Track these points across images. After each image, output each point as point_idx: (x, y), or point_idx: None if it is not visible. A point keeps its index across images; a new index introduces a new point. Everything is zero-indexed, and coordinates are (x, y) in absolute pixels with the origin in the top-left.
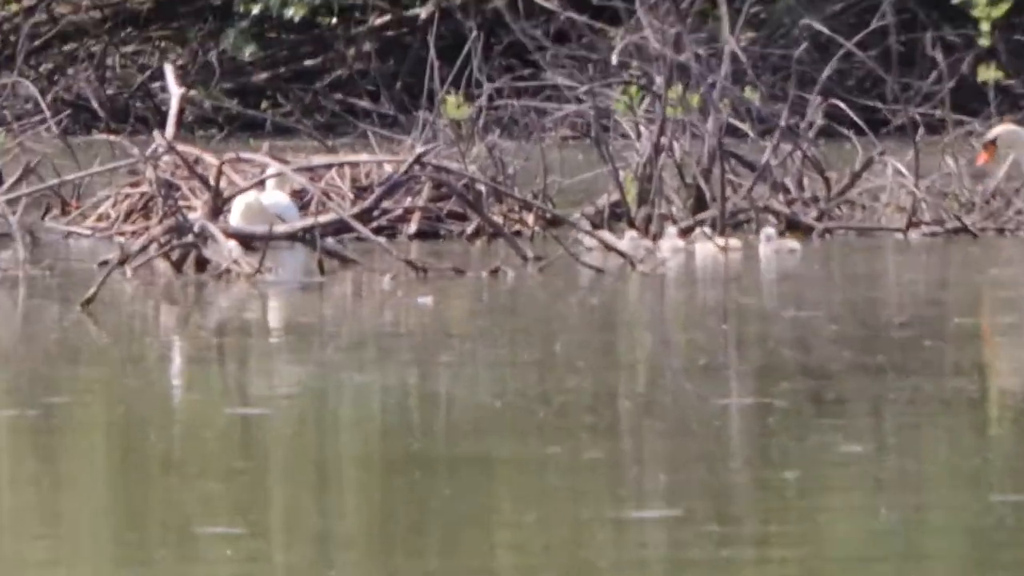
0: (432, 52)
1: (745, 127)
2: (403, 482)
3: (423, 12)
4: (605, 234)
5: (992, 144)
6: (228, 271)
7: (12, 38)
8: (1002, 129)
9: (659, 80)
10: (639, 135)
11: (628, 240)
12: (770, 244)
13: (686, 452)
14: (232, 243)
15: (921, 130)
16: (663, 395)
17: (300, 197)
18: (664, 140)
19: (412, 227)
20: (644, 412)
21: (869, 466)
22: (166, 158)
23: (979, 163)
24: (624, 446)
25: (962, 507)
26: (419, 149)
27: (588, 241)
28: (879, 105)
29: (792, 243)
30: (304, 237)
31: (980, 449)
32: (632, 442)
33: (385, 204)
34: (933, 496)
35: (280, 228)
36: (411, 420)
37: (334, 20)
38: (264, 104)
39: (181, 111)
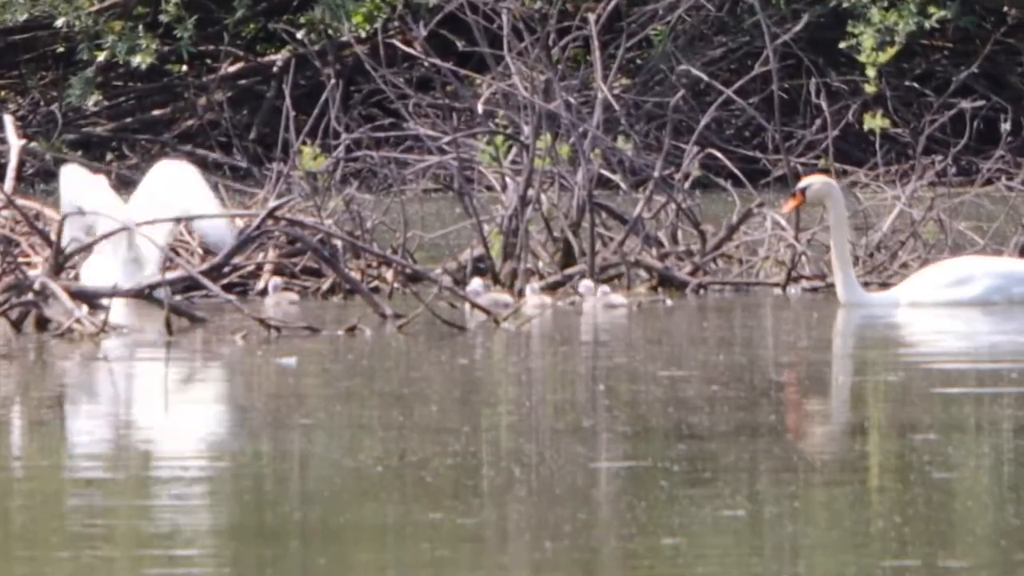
0: (287, 101)
1: (617, 178)
2: (280, 552)
3: (278, 59)
4: (480, 286)
5: (802, 193)
6: (70, 330)
7: None
8: (815, 180)
9: (527, 129)
10: (505, 187)
11: (490, 296)
12: (597, 298)
13: (565, 518)
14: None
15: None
16: (536, 459)
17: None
18: (531, 192)
19: (263, 284)
20: (517, 477)
21: (751, 532)
22: (5, 212)
23: (784, 209)
24: (499, 512)
25: (848, 573)
26: (272, 203)
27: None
28: (759, 155)
29: (618, 298)
30: (150, 295)
31: (863, 512)
32: (507, 508)
33: (236, 260)
34: (818, 562)
35: (125, 285)
36: (286, 487)
37: (184, 68)
38: (109, 156)
39: (21, 164)
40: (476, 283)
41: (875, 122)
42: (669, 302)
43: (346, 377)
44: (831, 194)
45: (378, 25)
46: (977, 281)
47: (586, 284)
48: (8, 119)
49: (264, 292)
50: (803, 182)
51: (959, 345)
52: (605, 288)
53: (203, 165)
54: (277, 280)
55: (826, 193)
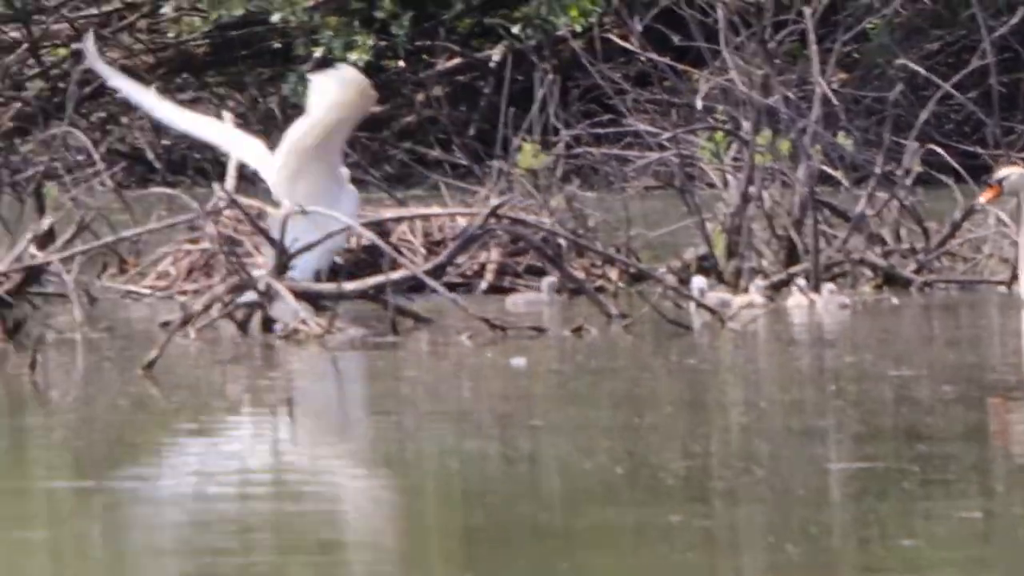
0: (505, 97)
1: (838, 175)
2: (524, 554)
3: (495, 55)
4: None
5: (999, 184)
6: (296, 331)
7: (61, 85)
8: (1012, 171)
9: (746, 125)
10: (726, 184)
11: (715, 295)
12: (821, 297)
13: (803, 520)
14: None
15: None
16: (771, 460)
17: (370, 252)
18: (752, 189)
19: (486, 283)
20: (754, 478)
21: (989, 534)
22: (227, 212)
23: (981, 201)
24: (737, 514)
25: None
26: (494, 201)
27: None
28: (980, 150)
29: (842, 297)
30: (375, 295)
31: None
32: (745, 510)
33: (459, 259)
34: None
35: (350, 285)
36: (524, 489)
37: (401, 64)
38: None
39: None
40: (698, 281)
41: None
42: (895, 300)
43: (575, 378)
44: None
45: (594, 19)
46: None
47: (801, 283)
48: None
49: (493, 290)
50: (1000, 173)
51: None
52: (831, 287)
53: (423, 163)
54: (552, 279)
55: (1021, 185)
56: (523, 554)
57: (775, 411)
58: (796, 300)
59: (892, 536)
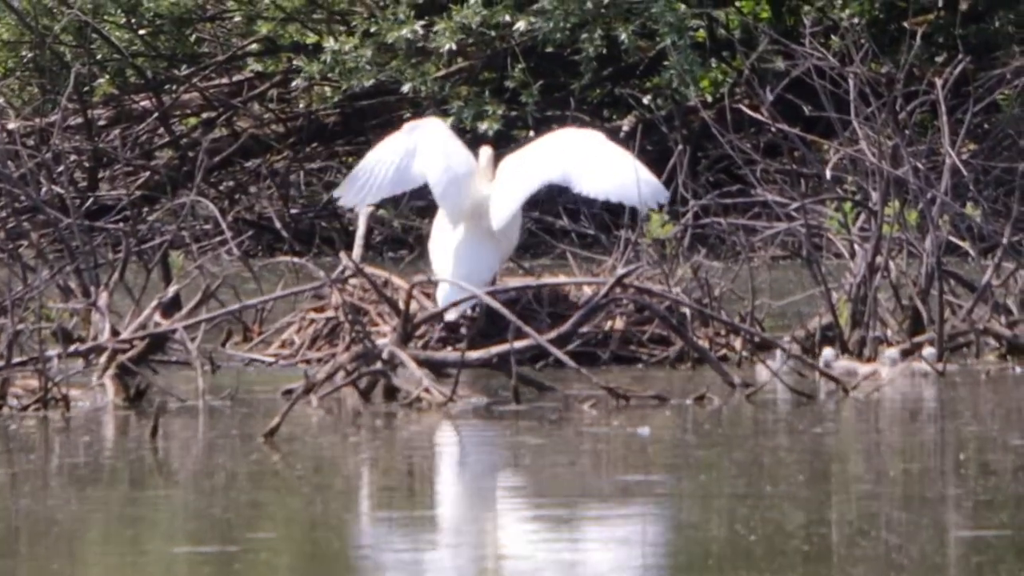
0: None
1: (966, 245)
2: None
3: (625, 125)
4: (831, 356)
5: None
6: (419, 399)
7: (191, 154)
8: None
9: (875, 195)
10: (853, 254)
11: (843, 364)
12: (895, 367)
13: None
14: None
15: None
16: (906, 527)
17: (495, 320)
18: (880, 259)
19: (610, 352)
20: (877, 543)
21: None
22: (353, 281)
23: None
24: None
25: None
26: (620, 270)
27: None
28: None
29: (922, 365)
30: (498, 363)
31: None
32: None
33: (584, 328)
34: None
35: (473, 355)
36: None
37: (531, 133)
38: None
39: (369, 231)
40: (828, 353)
41: None
42: (1019, 370)
43: (700, 447)
44: None
45: (724, 90)
46: None
47: (891, 354)
48: None
49: (615, 361)
50: None
51: None
52: (892, 353)
53: (550, 232)
54: (893, 352)
55: None
56: None
57: (899, 479)
58: (919, 368)
59: None
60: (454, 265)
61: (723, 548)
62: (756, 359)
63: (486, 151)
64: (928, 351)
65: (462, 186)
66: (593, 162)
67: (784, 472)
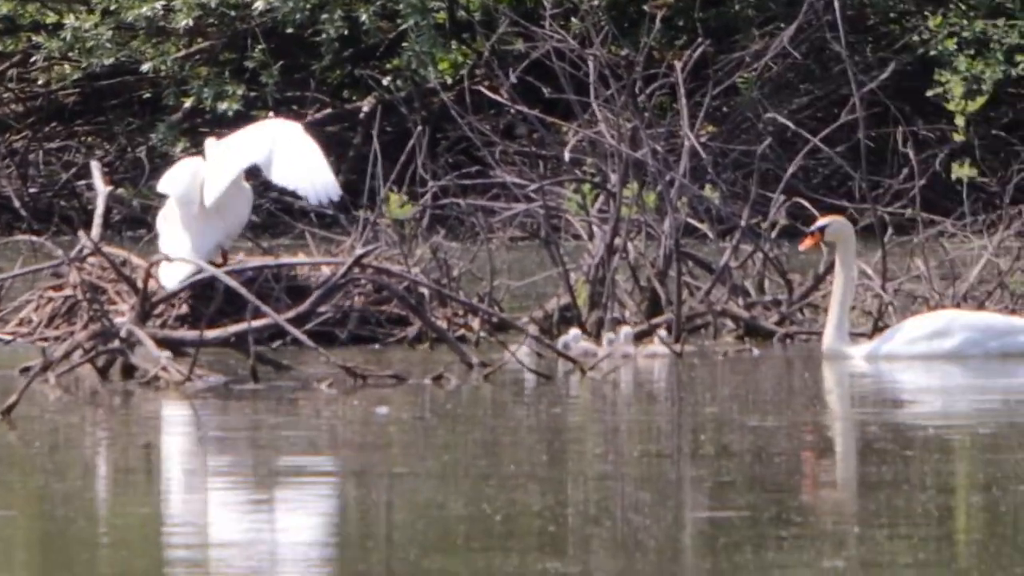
0: (374, 148)
1: (704, 227)
2: None
3: (365, 106)
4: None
5: (819, 232)
6: (157, 378)
7: None
8: (833, 220)
9: (614, 177)
10: (592, 235)
11: (581, 346)
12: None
13: (658, 568)
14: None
15: (890, 230)
16: (630, 509)
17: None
18: (618, 241)
19: (347, 332)
20: (611, 526)
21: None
22: (92, 260)
23: (801, 248)
24: (593, 561)
25: None
26: (359, 250)
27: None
28: (846, 204)
29: (659, 348)
30: (236, 342)
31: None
32: (600, 557)
33: (322, 308)
34: None
35: (211, 334)
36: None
37: (271, 114)
38: None
39: (108, 210)
40: (574, 333)
41: (963, 171)
42: (756, 351)
43: (438, 426)
44: (843, 235)
45: (464, 72)
46: (954, 334)
47: (626, 331)
48: (95, 165)
49: (353, 341)
50: (821, 221)
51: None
52: (627, 331)
53: (289, 212)
54: (628, 330)
55: (841, 233)
56: None
57: (638, 461)
58: (654, 350)
59: None
60: (180, 241)
61: (470, 528)
62: (495, 339)
63: (211, 142)
64: (662, 333)
65: (196, 175)
66: (286, 153)
67: (524, 453)
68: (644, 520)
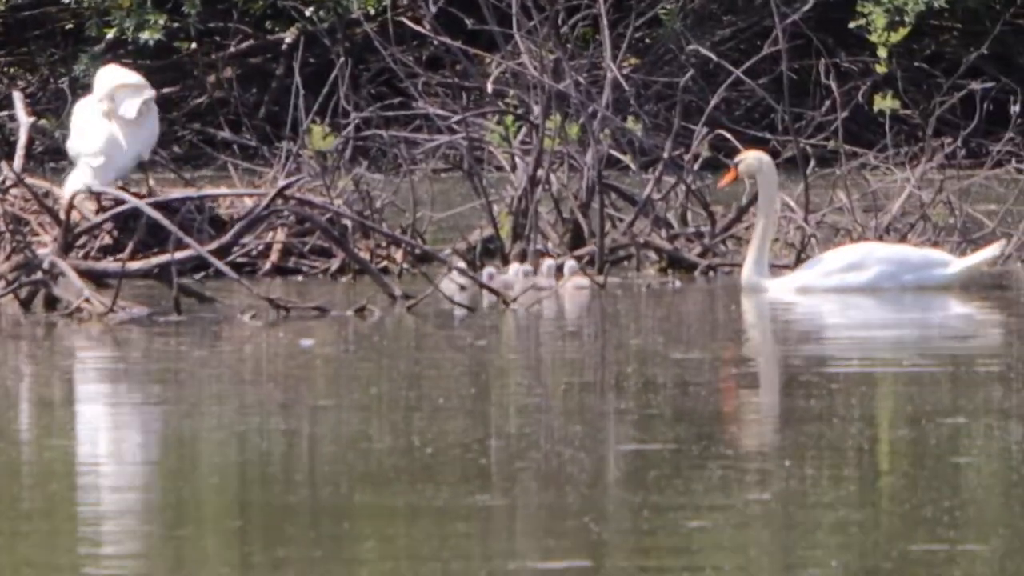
0: (297, 79)
1: (626, 159)
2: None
3: (288, 37)
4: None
5: (735, 167)
6: (79, 310)
7: None
8: (749, 155)
9: (536, 109)
10: (514, 167)
11: (514, 274)
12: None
13: (583, 500)
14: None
15: (812, 163)
16: (557, 442)
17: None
18: (540, 172)
19: (270, 263)
20: (542, 460)
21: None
22: (14, 191)
23: (720, 184)
24: (515, 494)
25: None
26: (282, 182)
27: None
28: (768, 136)
29: (582, 280)
30: (159, 273)
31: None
32: (523, 489)
33: (245, 239)
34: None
35: (134, 265)
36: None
37: (193, 45)
38: None
39: (30, 141)
40: (515, 268)
41: (885, 103)
42: (679, 283)
43: (365, 359)
44: (761, 170)
45: (387, 3)
46: (869, 267)
47: (549, 264)
48: (17, 96)
49: (276, 272)
50: (738, 156)
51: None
52: (572, 263)
53: (212, 143)
54: (573, 263)
55: (756, 168)
56: (298, 532)
57: (560, 393)
58: (577, 282)
59: (664, 514)
60: (100, 146)
61: (397, 461)
62: (418, 271)
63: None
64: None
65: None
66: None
67: (450, 386)
68: (572, 452)
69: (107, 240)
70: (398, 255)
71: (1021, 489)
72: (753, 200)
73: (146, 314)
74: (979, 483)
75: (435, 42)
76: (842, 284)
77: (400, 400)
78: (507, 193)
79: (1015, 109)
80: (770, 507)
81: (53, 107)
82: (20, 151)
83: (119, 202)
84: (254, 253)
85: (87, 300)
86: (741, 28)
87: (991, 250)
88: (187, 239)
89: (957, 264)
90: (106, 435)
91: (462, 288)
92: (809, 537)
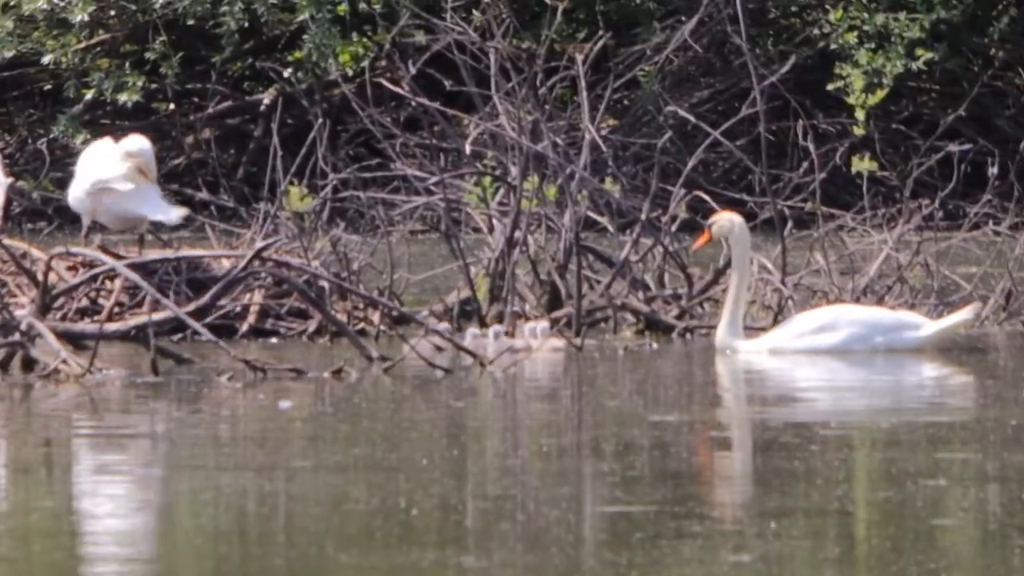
0: (275, 140)
1: (604, 221)
2: None
3: (266, 98)
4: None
5: (709, 229)
6: (57, 371)
7: None
8: (722, 216)
9: (514, 170)
10: (492, 229)
11: (490, 337)
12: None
13: (561, 561)
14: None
15: (790, 224)
16: (537, 504)
17: (132, 293)
18: (518, 234)
19: (248, 325)
20: (523, 522)
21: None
22: None
23: (694, 246)
24: (495, 555)
25: None
26: (259, 243)
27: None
28: (746, 198)
29: (557, 342)
30: (137, 335)
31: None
32: (502, 551)
33: (223, 301)
34: None
35: (112, 327)
36: (287, 528)
37: (171, 106)
38: None
39: (8, 202)
40: (497, 328)
41: (863, 165)
42: (656, 345)
43: (341, 420)
44: (734, 231)
45: (365, 64)
46: (839, 329)
47: (530, 327)
48: None
49: (253, 334)
50: (711, 218)
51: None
52: (543, 325)
53: (190, 204)
54: (544, 324)
55: (729, 229)
56: None
57: (539, 455)
58: (553, 344)
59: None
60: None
61: (376, 522)
62: (395, 333)
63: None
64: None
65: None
66: None
67: (428, 447)
68: (553, 513)
69: (84, 302)
70: (375, 317)
71: (1004, 551)
72: (730, 262)
73: (123, 376)
74: (963, 545)
75: (413, 103)
76: (813, 346)
77: (380, 461)
78: (484, 255)
79: (993, 171)
80: (753, 569)
81: (31, 168)
82: None
83: (95, 264)
84: (232, 315)
85: (64, 362)
86: (719, 90)
87: (965, 313)
88: (165, 300)
89: (929, 327)
90: (83, 499)
91: (439, 349)
92: None
